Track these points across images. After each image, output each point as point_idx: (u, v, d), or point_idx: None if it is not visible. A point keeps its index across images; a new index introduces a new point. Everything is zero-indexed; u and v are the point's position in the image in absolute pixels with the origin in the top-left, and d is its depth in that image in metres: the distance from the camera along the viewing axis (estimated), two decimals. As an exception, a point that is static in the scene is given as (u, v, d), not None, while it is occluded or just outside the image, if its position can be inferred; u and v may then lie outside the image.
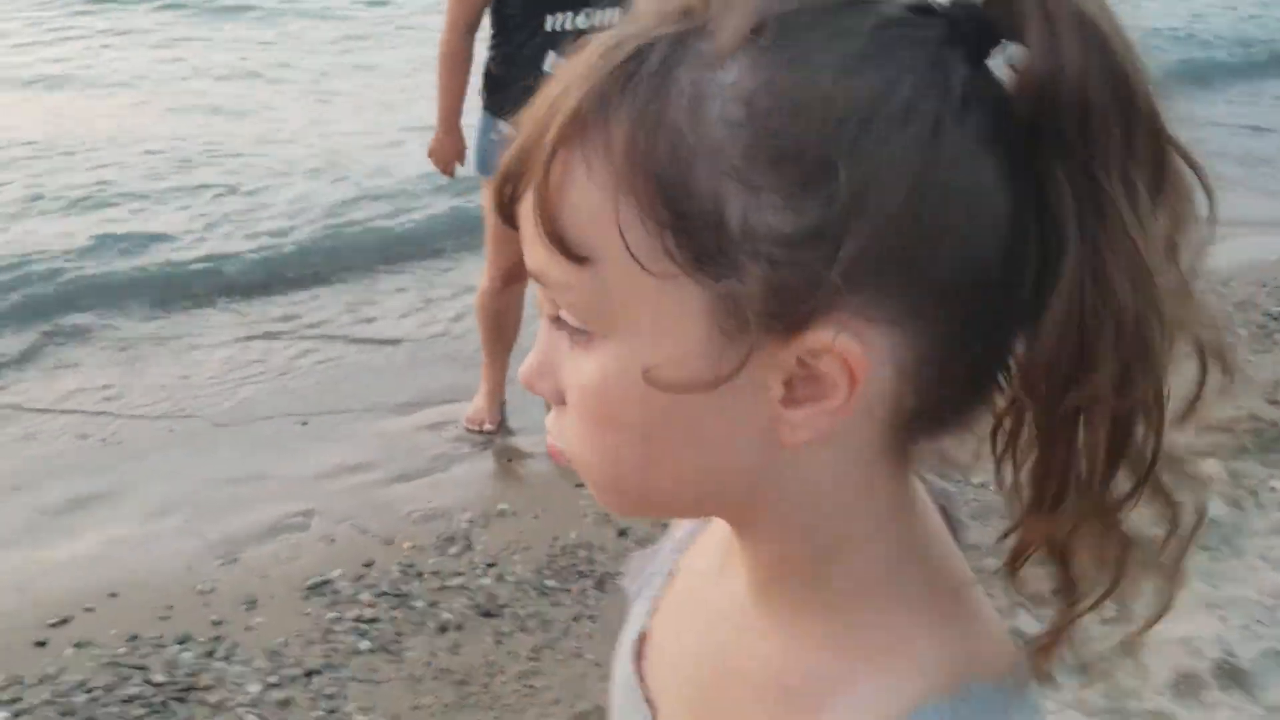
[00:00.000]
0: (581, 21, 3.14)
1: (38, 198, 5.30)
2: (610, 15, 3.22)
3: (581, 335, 0.52)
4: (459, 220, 5.09)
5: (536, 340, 0.55)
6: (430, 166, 3.46)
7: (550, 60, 3.16)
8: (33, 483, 3.33)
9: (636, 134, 0.47)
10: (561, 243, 0.49)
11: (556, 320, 0.53)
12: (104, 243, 4.86)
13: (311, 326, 4.36)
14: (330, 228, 5.16)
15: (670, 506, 0.59)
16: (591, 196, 0.48)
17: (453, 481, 3.33)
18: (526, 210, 0.51)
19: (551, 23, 3.12)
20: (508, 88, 3.23)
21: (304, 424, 3.65)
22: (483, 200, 3.46)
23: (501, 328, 3.50)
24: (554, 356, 0.54)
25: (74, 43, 8.17)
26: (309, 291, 4.66)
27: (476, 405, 3.59)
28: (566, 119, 0.48)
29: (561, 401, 0.54)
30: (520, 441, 3.52)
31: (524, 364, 0.55)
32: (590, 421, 0.53)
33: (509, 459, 3.47)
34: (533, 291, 3.41)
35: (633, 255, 0.48)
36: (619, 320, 0.50)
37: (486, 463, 3.46)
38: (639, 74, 0.48)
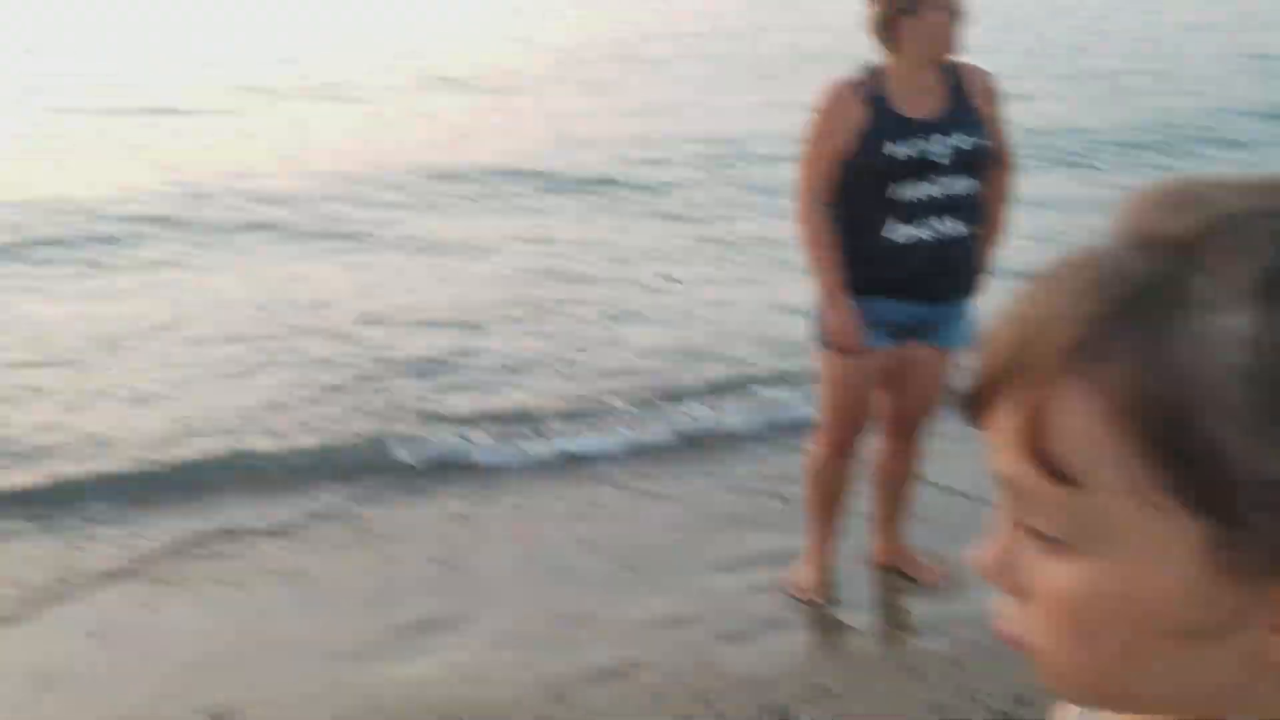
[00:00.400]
0: (929, 189, 3.10)
1: (389, 348, 5.74)
2: (961, 184, 3.17)
3: (1053, 542, 0.52)
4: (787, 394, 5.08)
5: (994, 531, 0.56)
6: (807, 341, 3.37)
7: (891, 228, 3.09)
8: (388, 601, 3.60)
9: (1139, 372, 0.48)
10: (1048, 463, 0.51)
11: (1023, 525, 0.54)
12: (456, 397, 5.18)
13: (645, 477, 4.51)
14: (682, 398, 5.17)
15: (1129, 708, 0.59)
16: (1086, 425, 0.50)
17: (775, 649, 3.30)
18: (1004, 420, 0.52)
19: (895, 190, 3.06)
20: (847, 257, 3.15)
21: (633, 570, 3.76)
22: (821, 368, 3.45)
23: (831, 496, 3.47)
24: (1015, 553, 0.54)
25: (415, 208, 8.86)
26: (641, 452, 4.74)
27: (801, 572, 3.56)
28: (1065, 348, 0.50)
29: (1021, 594, 0.55)
30: (844, 615, 3.46)
31: (980, 553, 0.56)
32: (1063, 629, 0.53)
33: (833, 632, 3.42)
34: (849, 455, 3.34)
35: (1129, 489, 0.49)
36: (1102, 543, 0.51)
37: (810, 634, 3.42)
38: (1141, 311, 0.49)
